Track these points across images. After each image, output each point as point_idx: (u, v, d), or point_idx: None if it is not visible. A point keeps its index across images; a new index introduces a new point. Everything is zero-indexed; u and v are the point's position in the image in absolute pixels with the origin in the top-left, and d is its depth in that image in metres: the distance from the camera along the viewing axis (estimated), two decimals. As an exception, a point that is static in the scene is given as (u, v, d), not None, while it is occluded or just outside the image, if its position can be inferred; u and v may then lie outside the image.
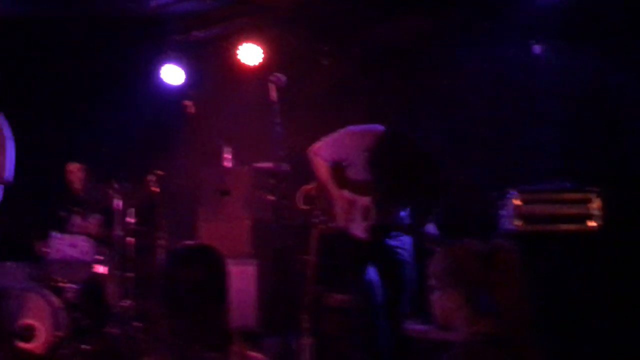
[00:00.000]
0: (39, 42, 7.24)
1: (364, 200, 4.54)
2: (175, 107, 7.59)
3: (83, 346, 5.85)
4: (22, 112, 6.47)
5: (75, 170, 6.71)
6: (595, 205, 4.99)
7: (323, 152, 4.64)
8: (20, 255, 6.27)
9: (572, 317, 4.84)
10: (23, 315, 5.76)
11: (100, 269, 6.28)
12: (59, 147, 7.19)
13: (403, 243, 4.61)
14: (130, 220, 6.39)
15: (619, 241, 5.02)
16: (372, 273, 4.65)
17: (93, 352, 5.87)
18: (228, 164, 7.24)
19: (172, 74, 7.51)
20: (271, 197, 5.39)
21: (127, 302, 6.20)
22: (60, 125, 7.41)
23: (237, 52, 7.15)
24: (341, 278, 5.12)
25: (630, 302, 4.95)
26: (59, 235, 6.17)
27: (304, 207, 4.85)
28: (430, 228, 4.53)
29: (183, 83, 7.55)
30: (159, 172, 6.53)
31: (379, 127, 4.47)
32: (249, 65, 7.17)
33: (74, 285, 6.09)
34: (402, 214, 4.60)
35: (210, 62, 7.73)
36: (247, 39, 7.14)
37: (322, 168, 4.66)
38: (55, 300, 5.91)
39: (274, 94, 5.07)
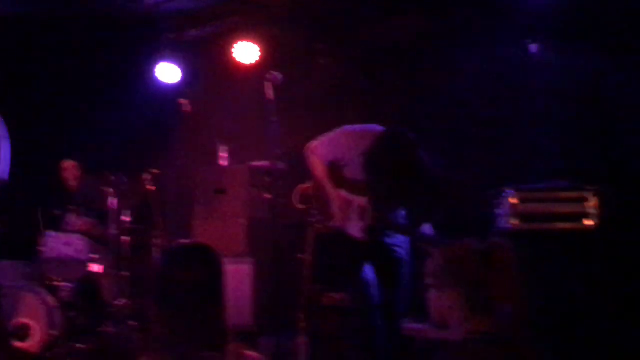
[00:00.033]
0: (34, 41, 7.22)
1: (361, 201, 4.53)
2: (170, 105, 7.58)
3: (78, 345, 5.84)
4: (17, 110, 6.46)
5: (70, 168, 6.69)
6: (592, 203, 4.99)
7: (320, 151, 4.62)
8: (15, 254, 6.25)
9: (569, 315, 4.82)
10: (18, 314, 5.75)
11: (96, 267, 6.27)
12: (54, 146, 7.17)
13: (400, 241, 4.60)
14: (126, 218, 6.38)
15: (616, 240, 5.01)
16: (368, 272, 4.64)
17: (88, 351, 5.86)
18: (224, 162, 7.23)
19: (168, 73, 7.50)
20: (267, 196, 5.38)
21: (122, 301, 6.19)
22: (56, 123, 7.39)
23: (233, 50, 7.13)
24: (338, 277, 5.10)
25: (628, 301, 4.94)
26: (53, 233, 6.16)
27: (300, 206, 4.84)
28: (427, 229, 4.51)
29: (179, 81, 7.54)
30: (155, 170, 6.52)
31: (377, 127, 4.45)
32: (244, 64, 7.15)
33: (69, 284, 6.08)
34: (399, 214, 4.59)
35: (205, 61, 7.72)
36: (243, 37, 7.12)
37: (318, 167, 4.64)
38: (50, 299, 5.90)
39: (270, 93, 5.05)
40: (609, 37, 5.57)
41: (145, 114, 7.44)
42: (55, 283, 6.07)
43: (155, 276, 2.12)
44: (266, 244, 6.33)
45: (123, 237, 6.35)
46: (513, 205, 5.03)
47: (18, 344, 5.68)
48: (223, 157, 7.23)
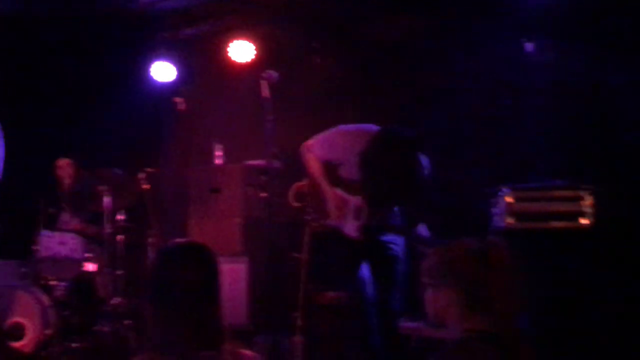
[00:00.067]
0: (28, 40, 7.19)
1: (356, 200, 4.53)
2: (165, 104, 7.57)
3: (73, 344, 5.83)
4: (11, 109, 6.44)
5: (64, 166, 6.67)
6: (587, 202, 4.99)
7: (315, 149, 4.62)
8: (9, 253, 6.22)
9: (564, 314, 4.84)
10: (12, 313, 5.73)
11: (90, 266, 6.26)
12: (49, 144, 7.15)
13: (395, 239, 4.60)
14: (120, 217, 6.37)
15: (611, 239, 5.02)
16: (364, 270, 4.64)
17: (83, 350, 5.85)
18: (219, 161, 7.22)
19: (163, 71, 7.48)
20: (263, 195, 5.38)
21: (117, 300, 6.19)
22: (50, 122, 7.36)
23: (228, 49, 7.12)
24: (334, 276, 5.11)
25: (623, 299, 4.95)
26: (48, 232, 6.14)
27: (296, 204, 4.84)
28: (422, 230, 4.51)
29: (174, 80, 7.52)
30: (150, 169, 6.51)
31: (372, 127, 4.45)
32: (240, 62, 7.14)
33: (63, 283, 6.06)
34: (394, 215, 4.59)
35: (201, 59, 7.71)
36: (238, 35, 7.11)
37: (314, 165, 4.64)
38: (44, 298, 5.88)
39: (266, 91, 5.05)
40: (605, 37, 5.58)
41: (140, 112, 7.42)
42: (50, 282, 6.05)
43: (150, 275, 2.12)
44: (261, 243, 6.32)
45: (118, 236, 6.34)
46: (509, 204, 5.04)
47: (12, 343, 5.66)
48: (218, 156, 7.23)
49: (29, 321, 5.69)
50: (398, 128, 4.39)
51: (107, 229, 6.20)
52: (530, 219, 5.03)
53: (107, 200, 6.17)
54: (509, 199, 5.03)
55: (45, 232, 6.11)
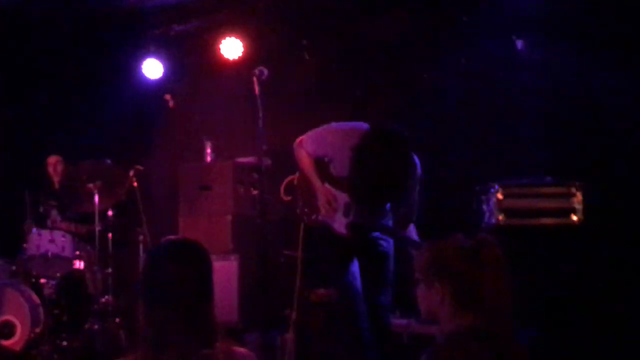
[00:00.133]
0: (18, 36, 7.15)
1: (346, 197, 4.53)
2: (155, 101, 7.54)
3: (63, 342, 5.81)
4: (0, 107, 6.42)
5: (55, 163, 6.63)
6: (577, 199, 5.01)
7: (307, 146, 4.61)
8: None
9: (554, 311, 4.86)
10: (1, 311, 5.70)
11: (80, 264, 6.23)
12: (38, 142, 7.11)
13: (385, 235, 4.60)
14: (110, 215, 6.35)
15: (601, 235, 5.04)
16: (354, 266, 4.64)
17: (73, 349, 5.83)
18: (209, 158, 7.21)
19: (153, 69, 7.46)
20: (254, 192, 5.36)
21: (107, 298, 6.17)
22: (39, 119, 7.33)
23: (218, 45, 7.10)
24: (324, 272, 5.10)
25: (612, 296, 4.98)
26: (38, 230, 6.11)
27: (286, 197, 4.83)
28: (411, 231, 4.51)
29: (163, 77, 7.49)
30: (139, 167, 6.49)
31: (364, 125, 4.44)
32: (230, 59, 7.12)
33: (53, 281, 6.04)
34: (385, 213, 4.58)
35: (190, 56, 7.68)
36: (228, 32, 7.09)
37: (305, 161, 4.63)
38: (33, 296, 5.85)
39: (257, 88, 5.04)
40: (594, 35, 5.60)
41: (131, 110, 7.39)
42: (40, 280, 6.03)
43: (143, 272, 2.11)
44: (252, 241, 6.32)
45: (107, 234, 6.32)
46: (498, 200, 5.06)
47: (2, 341, 5.63)
48: (208, 153, 7.21)
49: (19, 319, 5.66)
50: (389, 125, 4.38)
51: (97, 226, 6.18)
52: (521, 216, 5.06)
53: (96, 198, 6.14)
54: (499, 196, 5.05)
55: (35, 230, 6.08)
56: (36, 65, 7.27)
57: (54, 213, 6.40)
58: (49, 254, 5.99)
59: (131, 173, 6.39)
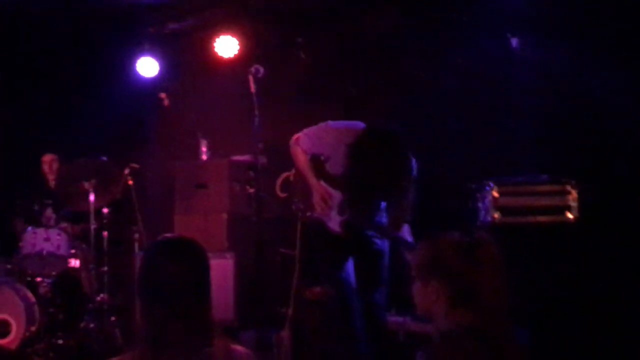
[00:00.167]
0: (13, 35, 7.13)
1: (341, 195, 4.53)
2: (150, 99, 7.53)
3: (58, 341, 5.80)
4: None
5: (49, 161, 6.62)
6: (573, 197, 5.02)
7: (303, 143, 4.61)
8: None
9: (549, 309, 4.87)
10: (-3, 310, 5.69)
11: (75, 263, 6.22)
12: (33, 140, 7.10)
13: (380, 233, 4.60)
14: (105, 213, 6.34)
15: (596, 233, 5.06)
16: (349, 264, 4.64)
17: (68, 347, 5.82)
18: (204, 156, 7.20)
19: (148, 67, 7.45)
20: (250, 190, 5.36)
21: (102, 297, 6.16)
22: (35, 118, 7.31)
23: (213, 43, 7.10)
24: (319, 270, 5.10)
25: (608, 293, 4.99)
26: (33, 229, 6.09)
27: (282, 193, 4.83)
28: (405, 231, 4.50)
29: (158, 75, 7.48)
30: (134, 165, 6.48)
31: (360, 124, 4.43)
32: (225, 57, 7.12)
33: (48, 280, 6.03)
34: (380, 212, 4.58)
35: (185, 54, 7.67)
36: (223, 30, 7.09)
37: (301, 158, 4.63)
38: (29, 294, 5.84)
39: (252, 86, 5.04)
40: (589, 33, 5.61)
41: (126, 108, 7.38)
42: (35, 279, 6.01)
43: (140, 270, 2.10)
44: (247, 239, 6.32)
45: (103, 232, 6.31)
46: (494, 198, 5.06)
47: (-4, 340, 5.63)
48: (203, 151, 7.20)
49: (14, 318, 5.65)
50: (385, 125, 4.38)
51: (92, 225, 6.17)
52: (516, 214, 5.07)
53: (92, 196, 6.13)
54: (495, 194, 5.06)
55: (30, 229, 6.07)
56: (31, 63, 7.26)
57: (49, 211, 6.38)
58: (44, 252, 5.98)
59: (126, 171, 6.38)
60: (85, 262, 6.28)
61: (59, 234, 6.10)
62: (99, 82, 7.35)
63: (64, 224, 6.28)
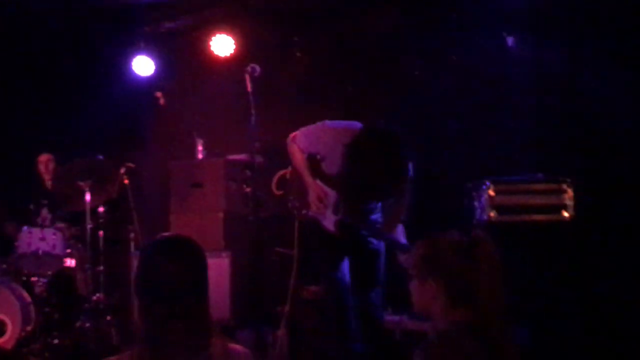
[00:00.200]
0: (7, 33, 7.11)
1: (336, 194, 4.52)
2: (146, 98, 7.52)
3: (54, 341, 5.78)
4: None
5: (45, 161, 6.60)
6: (568, 195, 5.03)
7: (300, 142, 4.60)
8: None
9: (545, 307, 4.88)
10: (-8, 310, 5.67)
11: (71, 262, 6.21)
12: (28, 140, 7.08)
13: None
14: (101, 213, 6.33)
15: (592, 231, 5.07)
16: (344, 263, 4.63)
17: (64, 347, 5.81)
18: (200, 155, 7.19)
19: (144, 65, 7.43)
20: (246, 189, 5.35)
21: (98, 296, 6.15)
22: (30, 117, 7.29)
23: (209, 42, 7.09)
24: (315, 269, 5.10)
25: (604, 292, 5.00)
26: (28, 228, 6.08)
27: (278, 191, 4.82)
28: (400, 232, 4.50)
29: (154, 74, 7.47)
30: (130, 164, 6.47)
31: (357, 125, 4.42)
32: (221, 56, 7.11)
33: (44, 279, 6.01)
34: (376, 211, 4.58)
35: (181, 53, 7.66)
36: (219, 29, 7.08)
37: (298, 156, 4.62)
38: (24, 294, 5.83)
39: (249, 85, 5.03)
40: (584, 31, 5.62)
41: (122, 107, 7.36)
42: (31, 278, 6.00)
43: (137, 269, 2.09)
44: (243, 238, 6.32)
45: (98, 232, 6.30)
46: (490, 197, 5.07)
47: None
48: (199, 151, 7.20)
49: (10, 318, 5.63)
50: (383, 125, 4.36)
51: (88, 224, 6.15)
52: (512, 212, 5.08)
53: (88, 196, 6.12)
54: (491, 193, 5.06)
55: (25, 228, 6.05)
56: (26, 62, 7.23)
57: (45, 211, 6.37)
58: (40, 252, 5.97)
59: (122, 170, 6.37)
60: (81, 262, 6.26)
61: (54, 234, 6.09)
62: (95, 81, 7.33)
63: (59, 224, 6.27)
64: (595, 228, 5.11)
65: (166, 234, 2.50)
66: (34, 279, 6.00)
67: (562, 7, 5.71)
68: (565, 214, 5.02)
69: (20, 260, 6.00)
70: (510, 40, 5.96)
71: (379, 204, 4.57)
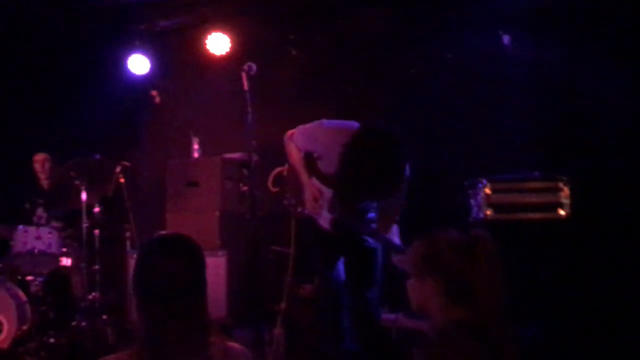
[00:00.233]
0: (2, 32, 7.09)
1: (332, 193, 4.52)
2: (141, 97, 7.51)
3: (50, 340, 5.77)
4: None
5: (41, 160, 6.60)
6: (565, 194, 5.04)
7: (296, 140, 4.59)
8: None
9: (542, 305, 4.88)
10: (-12, 309, 5.66)
11: (67, 261, 6.20)
12: (24, 139, 7.06)
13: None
14: (97, 212, 6.32)
15: (588, 229, 5.08)
16: (340, 261, 4.63)
17: (60, 346, 5.80)
18: (196, 154, 7.18)
19: (139, 64, 7.42)
20: (242, 188, 5.35)
21: (94, 295, 6.14)
22: (25, 116, 7.27)
23: (205, 41, 7.08)
24: (311, 267, 5.10)
25: (600, 289, 5.01)
26: (24, 227, 6.06)
27: (274, 188, 4.81)
28: (394, 233, 4.49)
29: (150, 73, 7.46)
30: (126, 163, 6.46)
31: (354, 124, 4.41)
32: (217, 55, 7.10)
33: (39, 278, 6.00)
34: (369, 215, 4.57)
35: (177, 51, 7.65)
36: (215, 27, 7.07)
37: (295, 154, 4.61)
38: (20, 293, 5.82)
39: (246, 84, 5.02)
40: (581, 30, 5.63)
41: (117, 105, 7.35)
42: (26, 277, 5.99)
43: (136, 269, 2.08)
44: (240, 237, 6.31)
45: (94, 231, 6.29)
46: (486, 195, 5.08)
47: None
48: (195, 149, 7.19)
49: (6, 317, 5.62)
50: (380, 125, 4.35)
51: (84, 223, 6.15)
52: (509, 211, 5.08)
53: (84, 195, 6.11)
54: (487, 191, 5.07)
55: (21, 227, 6.04)
56: (22, 61, 7.21)
57: (40, 210, 6.36)
58: (36, 250, 5.96)
59: (118, 169, 6.36)
60: (76, 261, 6.26)
61: (50, 233, 6.08)
62: (90, 80, 7.32)
63: (55, 223, 6.26)
64: (591, 226, 5.12)
65: (164, 232, 2.49)
66: (29, 278, 5.99)
67: (561, 7, 5.71)
68: (562, 212, 5.02)
69: (16, 259, 5.99)
70: (506, 39, 5.96)
71: (374, 205, 4.56)
